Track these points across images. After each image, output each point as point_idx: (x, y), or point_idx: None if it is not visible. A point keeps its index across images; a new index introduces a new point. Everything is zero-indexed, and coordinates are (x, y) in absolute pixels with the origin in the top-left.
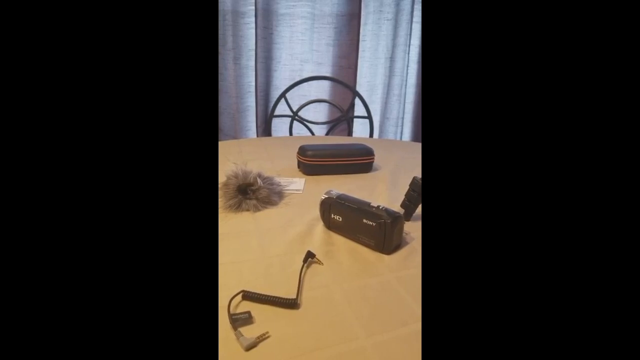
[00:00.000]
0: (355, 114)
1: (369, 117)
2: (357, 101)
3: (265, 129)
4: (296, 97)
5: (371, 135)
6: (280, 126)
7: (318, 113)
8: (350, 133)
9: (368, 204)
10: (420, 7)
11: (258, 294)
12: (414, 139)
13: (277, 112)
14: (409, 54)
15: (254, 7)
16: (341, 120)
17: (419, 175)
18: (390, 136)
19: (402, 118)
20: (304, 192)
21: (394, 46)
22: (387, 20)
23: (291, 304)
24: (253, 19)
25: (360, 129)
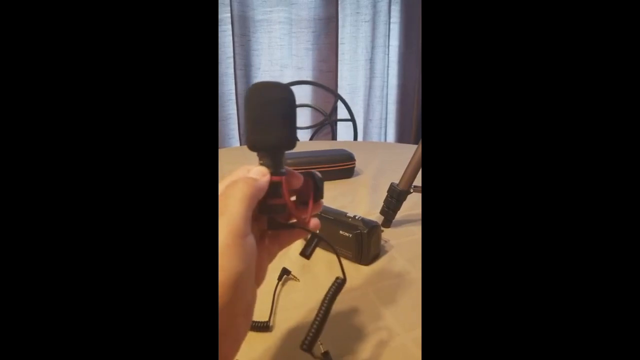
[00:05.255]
0: (339, 117)
1: (352, 119)
2: (340, 104)
3: None
4: None
5: (355, 138)
6: None
7: (301, 118)
8: (334, 137)
9: (344, 214)
10: (397, 8)
11: None
12: (399, 139)
13: None
14: (388, 55)
15: (229, 15)
16: (324, 124)
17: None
18: (375, 138)
19: (385, 119)
20: None
21: (373, 48)
22: (365, 22)
23: (263, 327)
24: (229, 27)
25: (345, 132)
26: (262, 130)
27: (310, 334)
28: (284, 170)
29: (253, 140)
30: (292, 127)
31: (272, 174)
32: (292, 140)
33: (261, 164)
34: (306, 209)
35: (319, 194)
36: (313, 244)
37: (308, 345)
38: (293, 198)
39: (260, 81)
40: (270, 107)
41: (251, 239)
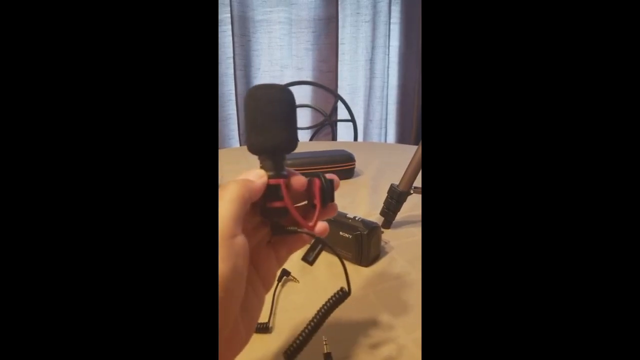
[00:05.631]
0: (339, 117)
1: (352, 120)
2: (340, 105)
3: None
4: None
5: (355, 138)
6: None
7: (301, 118)
8: (334, 137)
9: (344, 215)
10: (397, 8)
11: None
12: (399, 140)
13: None
14: (388, 55)
15: (229, 15)
16: (324, 124)
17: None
18: (375, 138)
19: (386, 120)
20: None
21: (373, 48)
22: (365, 22)
23: (263, 328)
24: (229, 27)
25: (345, 132)
26: (261, 132)
27: (296, 343)
28: (285, 173)
29: (253, 143)
30: (292, 128)
31: (272, 176)
32: (292, 142)
33: (262, 167)
34: (314, 213)
35: (327, 196)
36: (316, 250)
37: (291, 354)
38: (304, 202)
39: (259, 84)
40: (269, 109)
41: (240, 240)
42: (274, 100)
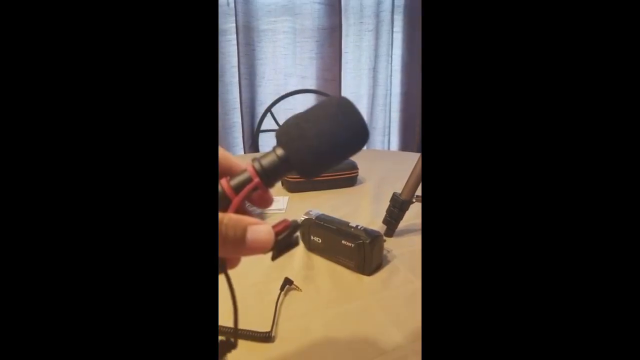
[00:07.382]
0: None
1: None
2: None
3: (252, 145)
4: (282, 112)
5: None
6: (268, 141)
7: None
8: None
9: (347, 224)
10: (400, 17)
11: (226, 327)
12: (402, 148)
13: (264, 127)
14: (391, 63)
15: (234, 25)
16: None
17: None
18: (378, 146)
19: (389, 127)
20: (287, 211)
21: (376, 57)
22: (368, 31)
23: (265, 337)
24: (234, 36)
25: None
26: (304, 136)
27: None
28: (263, 179)
29: (290, 136)
30: (327, 161)
31: (256, 169)
32: (312, 170)
33: (254, 159)
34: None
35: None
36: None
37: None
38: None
39: (351, 101)
40: (334, 129)
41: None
42: (345, 127)
